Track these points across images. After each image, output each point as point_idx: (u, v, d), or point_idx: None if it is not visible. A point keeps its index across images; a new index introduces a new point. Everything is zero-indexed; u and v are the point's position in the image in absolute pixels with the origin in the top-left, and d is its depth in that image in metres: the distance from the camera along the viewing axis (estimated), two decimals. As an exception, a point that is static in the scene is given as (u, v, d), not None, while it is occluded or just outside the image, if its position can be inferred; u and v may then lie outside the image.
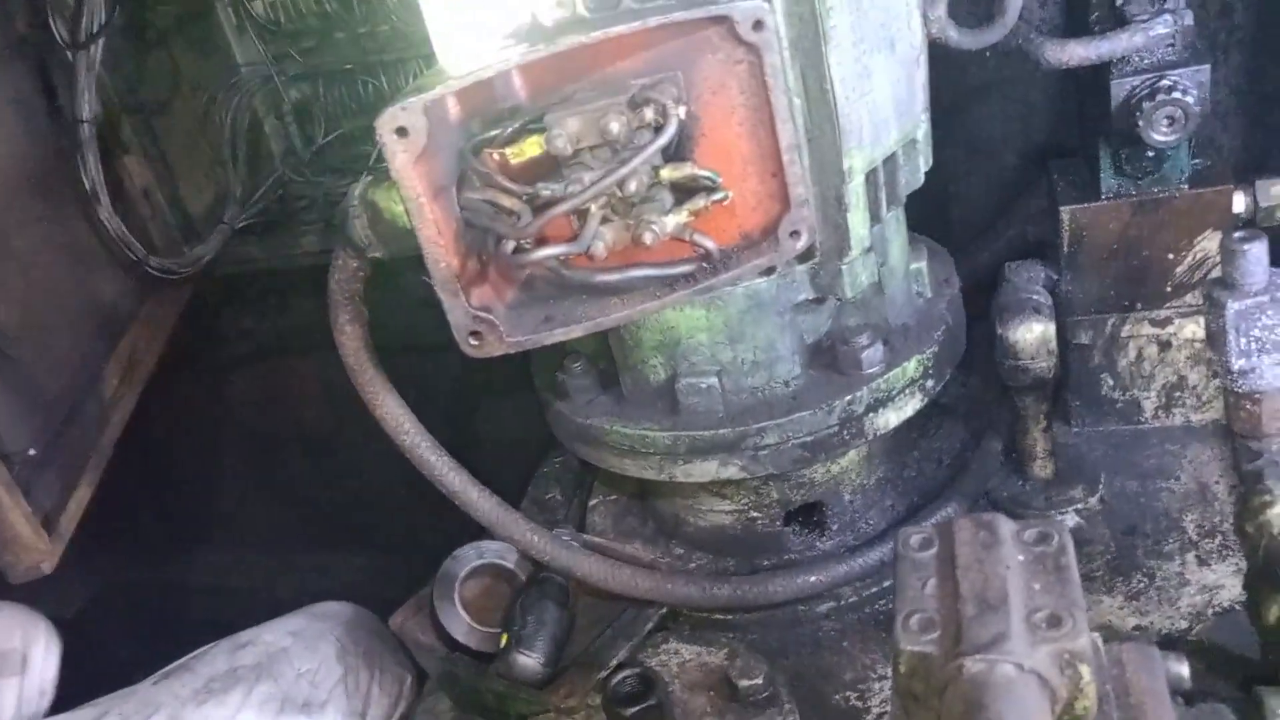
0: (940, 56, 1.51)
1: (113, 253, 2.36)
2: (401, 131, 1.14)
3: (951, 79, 1.81)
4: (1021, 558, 0.99)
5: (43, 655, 2.17)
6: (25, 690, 2.13)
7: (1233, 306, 1.21)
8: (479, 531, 1.76)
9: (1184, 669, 1.04)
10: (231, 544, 3.39)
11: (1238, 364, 1.24)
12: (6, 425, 1.93)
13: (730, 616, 1.68)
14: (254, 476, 3.37)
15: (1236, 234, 1.20)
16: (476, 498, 1.57)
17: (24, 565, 1.86)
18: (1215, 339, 1.25)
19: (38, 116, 2.29)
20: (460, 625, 1.70)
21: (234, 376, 3.20)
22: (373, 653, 2.02)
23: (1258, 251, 1.19)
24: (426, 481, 1.61)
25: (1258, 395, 1.26)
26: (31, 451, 1.96)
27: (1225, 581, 1.54)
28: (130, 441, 2.45)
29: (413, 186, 1.17)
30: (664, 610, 1.66)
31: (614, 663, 1.58)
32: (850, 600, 1.66)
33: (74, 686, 2.19)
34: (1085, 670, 0.90)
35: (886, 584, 1.63)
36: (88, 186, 2.25)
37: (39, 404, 2.08)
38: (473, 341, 1.27)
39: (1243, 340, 1.22)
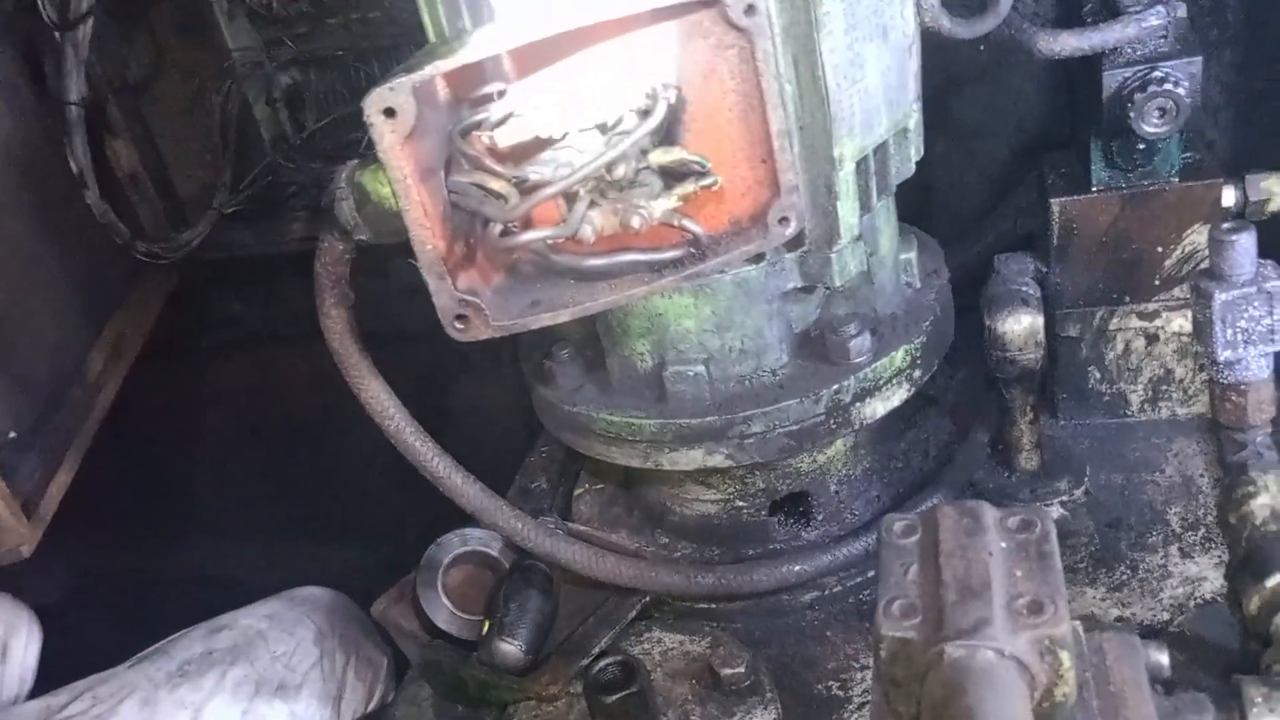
0: (933, 45, 1.51)
1: (99, 237, 2.34)
2: (390, 112, 1.13)
3: (944, 68, 1.81)
4: (1004, 545, 0.99)
5: (24, 644, 2.17)
6: (5, 678, 2.13)
7: (1220, 297, 1.21)
8: (462, 521, 1.76)
9: (1164, 658, 1.04)
10: (215, 532, 3.37)
11: (1224, 355, 1.24)
12: (-12, 409, 1.92)
13: (714, 606, 1.68)
14: (238, 464, 3.35)
15: (1225, 225, 1.20)
16: (461, 484, 1.57)
17: (3, 548, 1.84)
18: (1202, 330, 1.25)
19: (24, 99, 2.28)
20: (443, 612, 1.70)
21: (220, 362, 3.18)
22: (349, 637, 2.02)
23: (1245, 243, 1.19)
24: (411, 471, 1.60)
25: (1243, 386, 1.26)
26: (12, 434, 1.95)
27: (1207, 574, 1.55)
28: (114, 427, 2.44)
29: (400, 168, 1.16)
30: (647, 598, 1.66)
31: (596, 650, 1.58)
32: (834, 590, 1.66)
33: (54, 673, 2.19)
34: (1065, 657, 0.90)
35: (871, 574, 1.63)
36: (75, 170, 2.23)
37: (22, 387, 2.06)
38: (458, 325, 1.26)
39: (1229, 331, 1.22)
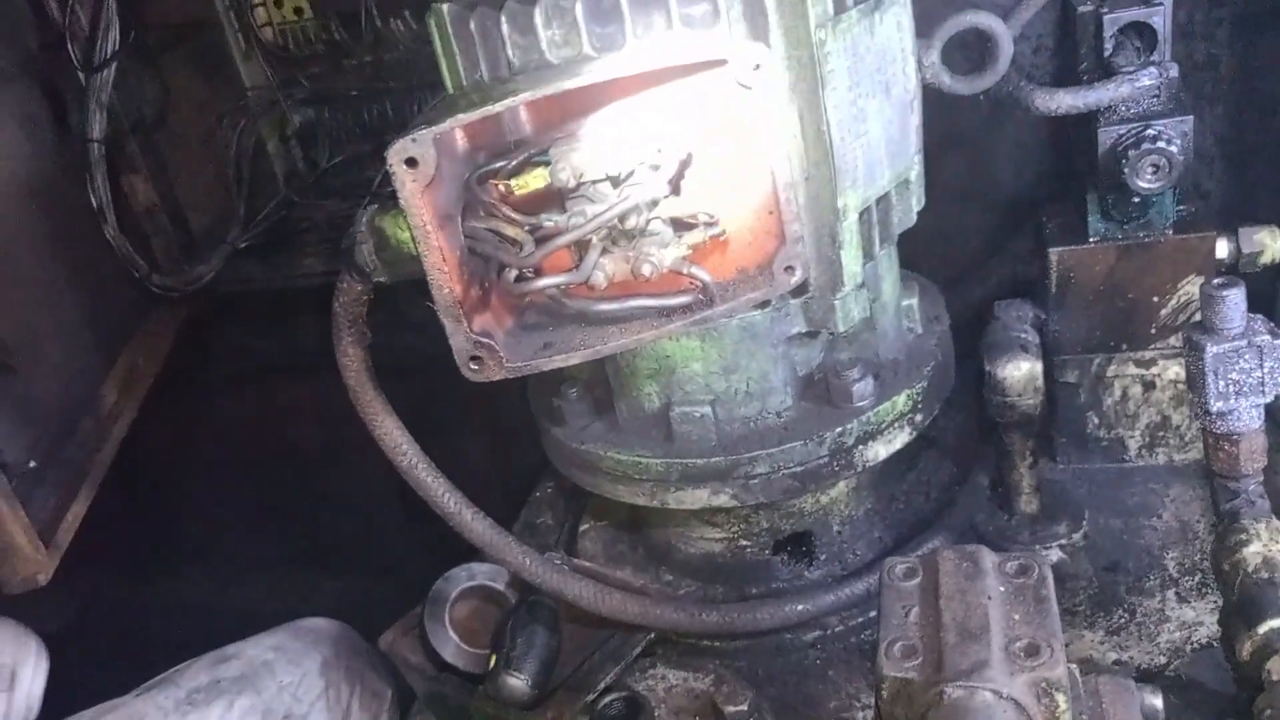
0: (935, 100, 1.56)
1: (115, 270, 2.39)
2: (411, 162, 1.18)
3: (945, 123, 1.86)
4: (1003, 589, 1.02)
5: (31, 672, 2.18)
6: (13, 705, 2.14)
7: (1211, 350, 1.25)
8: (465, 558, 1.79)
9: (1158, 701, 1.07)
10: (220, 564, 3.38)
11: (1216, 406, 1.27)
12: (7, 437, 1.95)
13: (717, 643, 1.70)
14: (242, 495, 3.37)
15: (1216, 280, 1.24)
16: (470, 519, 1.59)
17: (21, 576, 1.87)
18: (1195, 381, 1.29)
19: (46, 134, 2.33)
20: (449, 645, 1.72)
21: (229, 396, 3.21)
22: (355, 669, 2.04)
23: (1236, 298, 1.23)
24: (412, 505, 1.62)
25: (1235, 436, 1.29)
26: (32, 464, 1.98)
27: (1204, 619, 1.57)
28: (123, 458, 2.46)
29: (420, 215, 1.21)
30: (651, 635, 1.68)
31: (601, 686, 1.59)
32: (836, 630, 1.68)
33: (58, 702, 2.20)
34: (1061, 699, 0.93)
35: (873, 614, 1.65)
36: (95, 204, 2.28)
37: (38, 417, 2.10)
38: (473, 366, 1.30)
39: (1221, 383, 1.25)
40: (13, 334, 2.10)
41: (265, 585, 3.21)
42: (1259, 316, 1.26)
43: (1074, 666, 1.03)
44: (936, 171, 1.61)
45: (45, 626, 2.42)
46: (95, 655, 2.97)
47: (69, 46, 2.21)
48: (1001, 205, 2.12)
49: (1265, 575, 1.21)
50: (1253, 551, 1.23)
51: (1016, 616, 1.00)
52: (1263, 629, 1.16)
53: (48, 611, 2.72)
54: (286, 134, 2.75)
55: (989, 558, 1.05)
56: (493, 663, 1.63)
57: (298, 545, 3.28)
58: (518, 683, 1.59)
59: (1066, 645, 1.45)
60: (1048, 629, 0.98)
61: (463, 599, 1.78)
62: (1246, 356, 1.24)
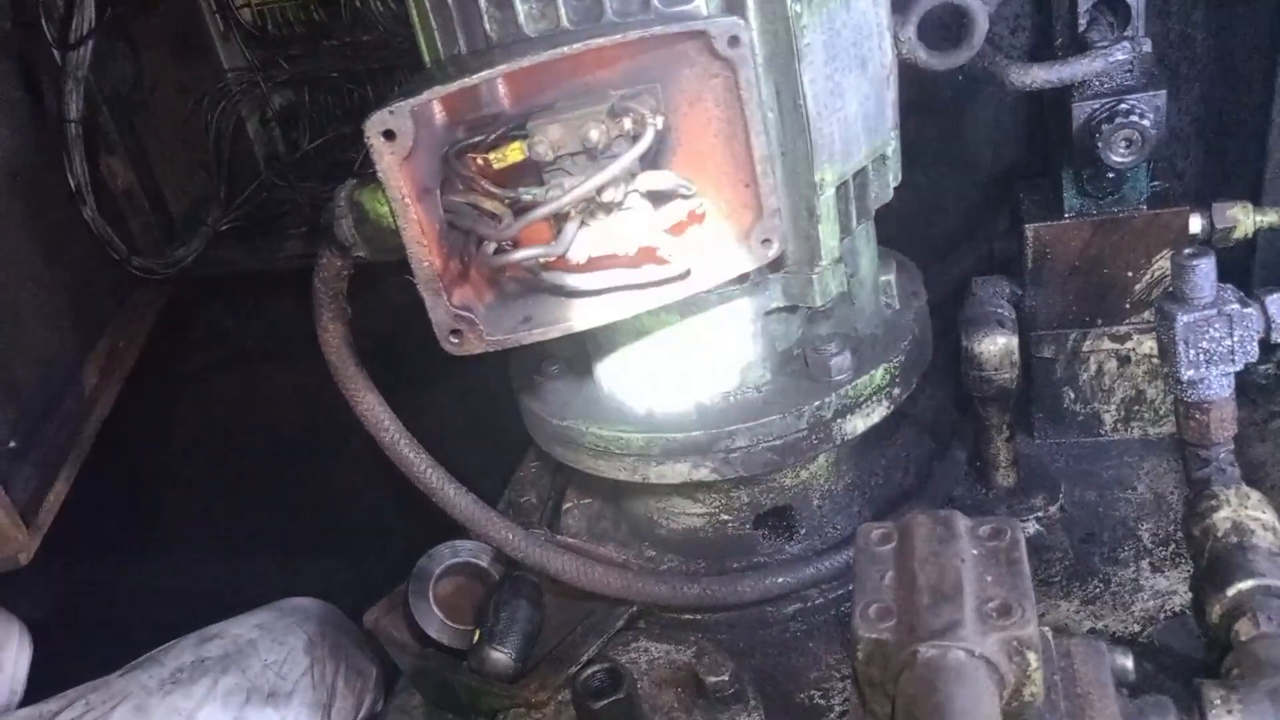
0: (913, 78, 1.57)
1: (95, 252, 2.38)
2: (389, 134, 1.18)
3: (924, 100, 1.88)
4: (976, 551, 1.04)
5: (14, 656, 2.19)
6: None
7: (1182, 319, 1.26)
8: (447, 538, 1.79)
9: (1129, 662, 1.09)
10: (201, 547, 3.38)
11: (1187, 374, 1.29)
12: (-13, 417, 1.95)
13: (699, 617, 1.71)
14: (225, 479, 3.37)
15: (1186, 250, 1.26)
16: (454, 495, 1.60)
17: (2, 555, 1.87)
18: (1166, 350, 1.30)
19: (21, 114, 2.32)
20: (434, 622, 1.73)
21: (208, 378, 3.21)
22: (339, 646, 2.05)
23: (1205, 267, 1.25)
24: (392, 488, 1.63)
25: (1206, 405, 1.31)
26: (12, 444, 1.98)
27: (1177, 588, 1.60)
28: (102, 441, 2.46)
29: (398, 188, 1.21)
30: (634, 609, 1.70)
31: (584, 658, 1.61)
32: (817, 602, 1.70)
33: (39, 686, 2.20)
34: (1033, 658, 0.95)
35: (852, 587, 1.67)
36: (73, 185, 2.27)
37: (17, 397, 2.09)
38: (453, 340, 1.31)
39: (1191, 352, 1.27)
40: (-9, 315, 2.10)
41: (246, 569, 3.20)
42: (1229, 286, 1.28)
43: (1046, 629, 1.05)
44: (915, 148, 1.63)
45: (27, 611, 2.42)
46: (77, 639, 2.97)
47: (43, 22, 2.19)
48: (980, 182, 2.14)
49: (1234, 540, 1.23)
50: (1222, 517, 1.25)
51: (989, 578, 1.01)
52: (1231, 591, 1.18)
53: (29, 596, 2.72)
54: (266, 116, 2.74)
55: (962, 522, 1.06)
56: (477, 637, 1.64)
57: (273, 528, 3.28)
58: (501, 656, 1.60)
59: (1043, 615, 1.48)
60: (1020, 590, 0.99)
61: (447, 576, 1.79)
62: (1216, 325, 1.26)
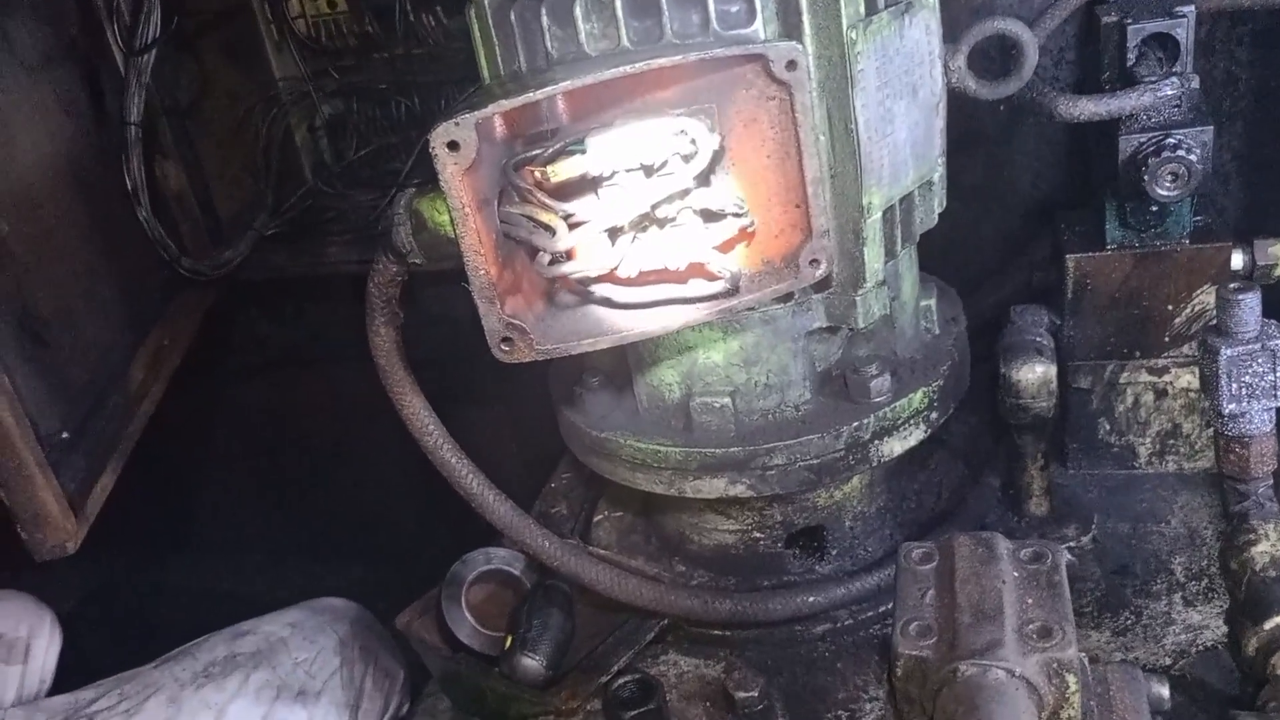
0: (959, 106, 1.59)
1: (147, 252, 2.43)
2: (453, 145, 1.21)
3: (970, 129, 1.90)
4: (1016, 574, 1.06)
5: (45, 646, 2.23)
6: (26, 678, 2.18)
7: (1225, 353, 1.27)
8: (476, 545, 1.82)
9: (1165, 690, 1.10)
10: (233, 548, 3.43)
11: (1228, 408, 1.30)
12: (41, 408, 1.99)
13: (729, 633, 1.72)
14: (253, 481, 3.41)
15: (1232, 285, 1.27)
16: (493, 501, 1.63)
17: (50, 543, 1.91)
18: (1208, 383, 1.31)
19: (84, 116, 2.38)
20: (465, 627, 1.75)
21: (247, 381, 3.26)
22: (369, 648, 2.07)
23: (1251, 302, 1.26)
24: (428, 496, 1.65)
25: (1246, 439, 1.32)
26: (64, 435, 2.03)
27: (1209, 622, 1.60)
28: (144, 439, 2.50)
29: (460, 197, 1.24)
30: (665, 622, 1.71)
31: (615, 669, 1.63)
32: (846, 623, 1.70)
33: (71, 677, 2.24)
34: (1072, 680, 0.96)
35: (882, 608, 1.68)
36: (130, 187, 2.32)
37: (70, 390, 2.14)
38: (504, 348, 1.34)
39: (1234, 385, 1.28)
40: (50, 310, 2.14)
41: (278, 572, 3.25)
42: (1273, 321, 1.29)
43: (1083, 655, 1.06)
44: (956, 176, 1.65)
45: (60, 603, 2.46)
46: (106, 632, 3.01)
47: (110, 29, 2.26)
48: (1019, 211, 2.15)
49: (1273, 574, 1.23)
50: (1260, 551, 1.26)
51: (1030, 600, 1.03)
52: (1269, 625, 1.18)
53: (62, 588, 2.76)
54: (315, 125, 2.79)
55: (1003, 544, 1.08)
56: (508, 643, 1.66)
57: (303, 532, 3.32)
58: (532, 663, 1.62)
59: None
60: (1060, 613, 1.01)
61: (479, 582, 1.81)
62: (1260, 360, 1.26)
